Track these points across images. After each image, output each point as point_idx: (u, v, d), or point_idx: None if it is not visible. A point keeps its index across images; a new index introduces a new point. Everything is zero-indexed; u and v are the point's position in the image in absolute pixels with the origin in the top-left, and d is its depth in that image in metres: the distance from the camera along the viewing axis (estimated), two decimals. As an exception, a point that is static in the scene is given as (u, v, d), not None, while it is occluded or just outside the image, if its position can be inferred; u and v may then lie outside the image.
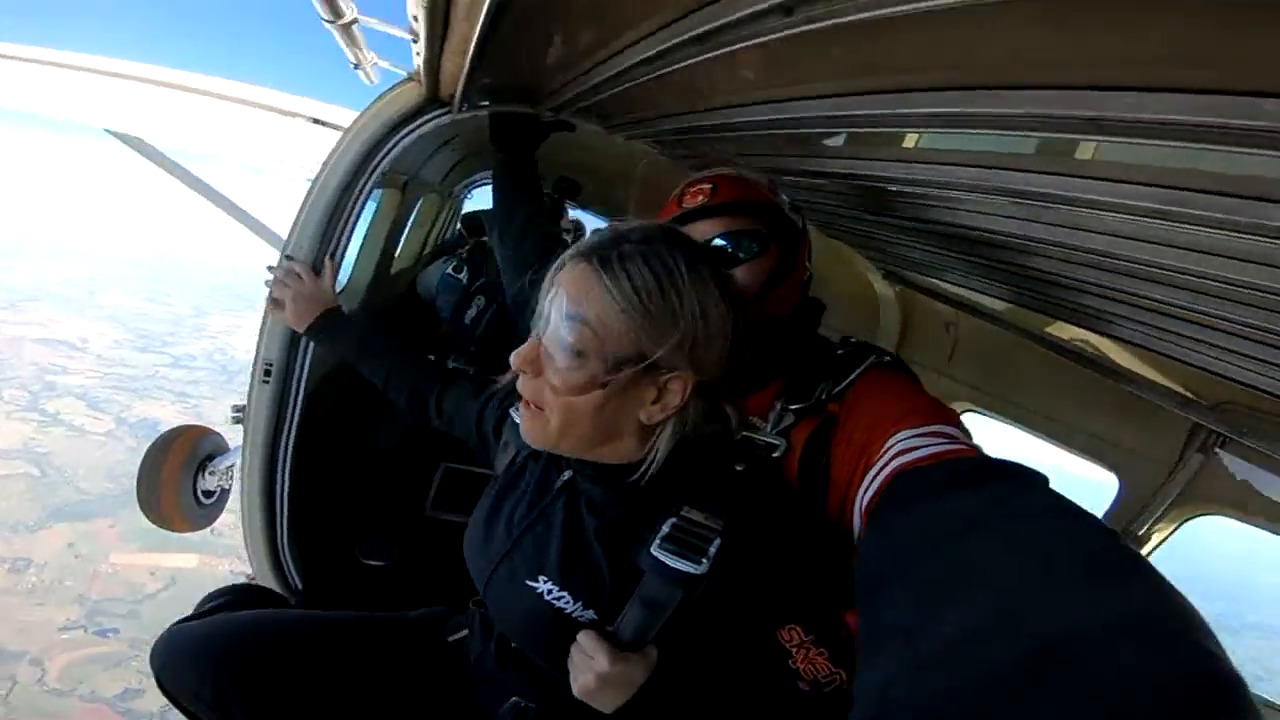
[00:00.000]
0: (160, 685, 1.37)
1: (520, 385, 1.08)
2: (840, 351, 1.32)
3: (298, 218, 1.74)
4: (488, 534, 1.27)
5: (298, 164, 3.35)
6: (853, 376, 1.25)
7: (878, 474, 1.04)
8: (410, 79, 1.71)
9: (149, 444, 3.01)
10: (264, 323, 1.78)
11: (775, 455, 1.16)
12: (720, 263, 1.14)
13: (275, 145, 3.52)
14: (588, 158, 2.99)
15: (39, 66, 3.68)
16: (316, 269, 1.70)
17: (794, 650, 1.06)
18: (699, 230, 1.25)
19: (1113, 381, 1.79)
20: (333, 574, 2.25)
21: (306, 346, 1.80)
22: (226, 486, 3.09)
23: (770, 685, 1.08)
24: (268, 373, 1.78)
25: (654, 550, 1.06)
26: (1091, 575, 0.56)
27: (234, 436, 3.17)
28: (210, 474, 3.00)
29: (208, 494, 3.05)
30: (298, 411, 1.83)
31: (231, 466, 3.01)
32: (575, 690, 1.09)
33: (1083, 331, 1.77)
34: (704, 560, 1.04)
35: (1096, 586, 0.55)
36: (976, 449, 1.04)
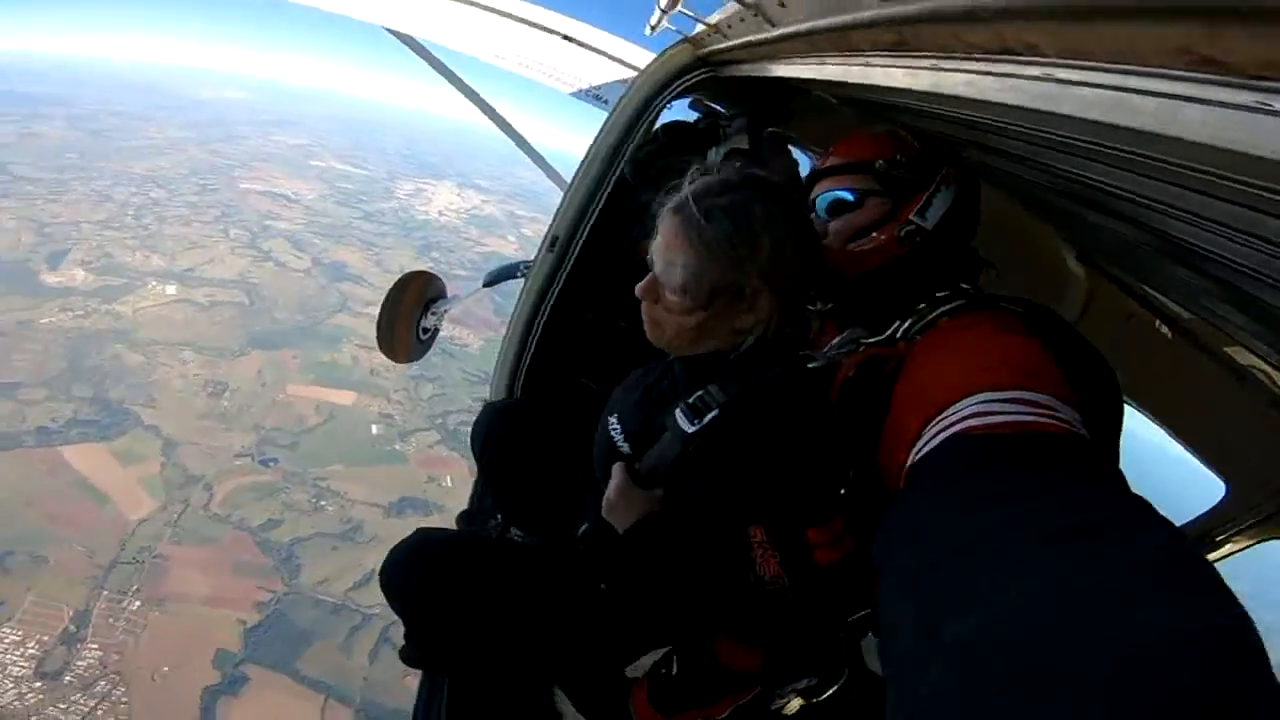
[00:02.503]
0: None
1: (643, 307, 1.41)
2: (941, 294, 1.34)
3: (587, 155, 2.30)
4: (620, 385, 1.66)
5: (546, 73, 3.85)
6: (930, 317, 1.29)
7: (942, 430, 0.97)
8: (685, 40, 2.17)
9: (392, 282, 3.40)
10: (562, 201, 2.33)
11: (810, 365, 1.32)
12: (793, 200, 1.37)
13: (531, 55, 3.96)
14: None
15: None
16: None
17: (755, 546, 1.24)
18: (818, 188, 1.49)
19: (1267, 407, 1.90)
20: (546, 396, 2.84)
21: (583, 232, 2.34)
22: (440, 327, 3.52)
23: (731, 567, 1.27)
24: (553, 244, 2.37)
25: (676, 411, 1.35)
26: (1153, 587, 0.52)
27: (458, 284, 3.64)
28: (431, 314, 3.43)
29: (425, 330, 3.46)
30: (564, 278, 2.41)
31: (447, 310, 3.47)
32: (603, 506, 1.39)
33: (1255, 359, 1.84)
34: (698, 422, 1.30)
35: (1153, 604, 0.50)
36: (1065, 423, 0.92)
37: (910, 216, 1.38)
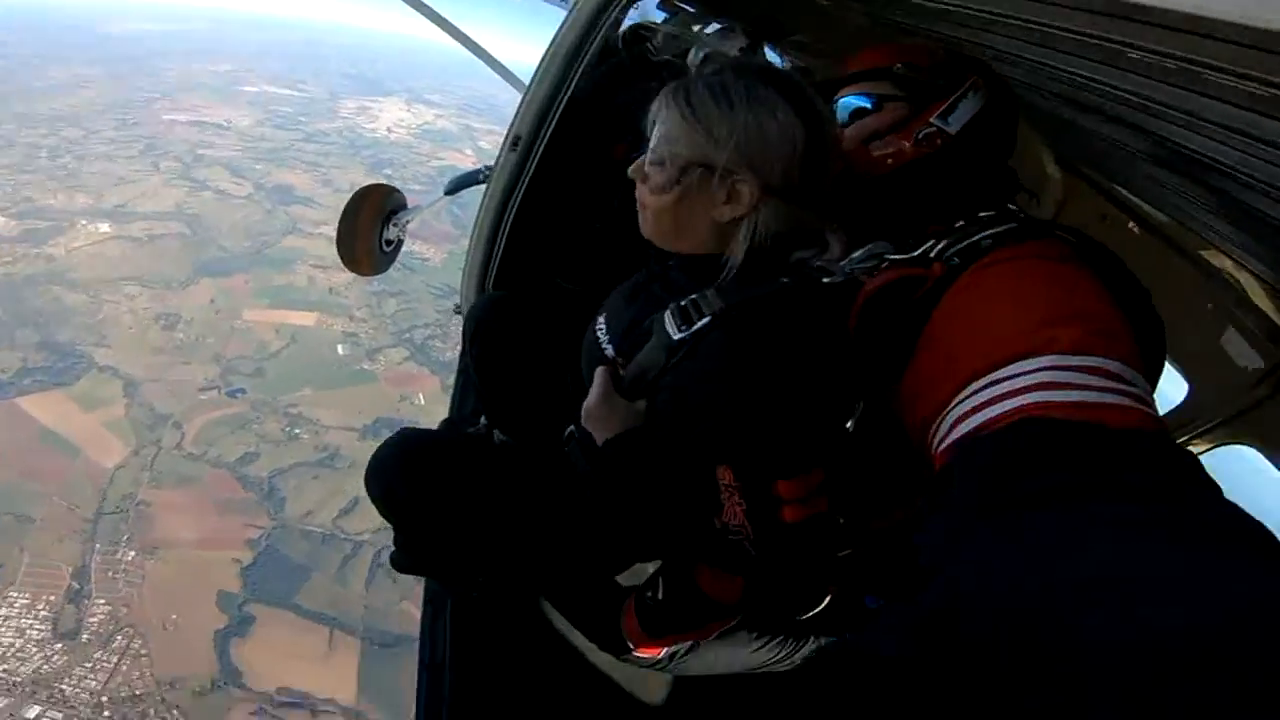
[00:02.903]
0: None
1: (636, 190, 1.32)
2: (986, 214, 1.24)
3: (548, 51, 2.15)
4: (614, 294, 1.56)
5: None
6: (974, 239, 1.18)
7: (999, 396, 0.87)
8: None
9: (344, 201, 3.22)
10: (522, 100, 2.21)
11: (825, 281, 1.21)
12: (795, 88, 1.22)
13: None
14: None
15: None
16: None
17: (722, 489, 1.17)
18: (838, 96, 1.41)
19: (1232, 307, 1.92)
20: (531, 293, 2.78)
21: (546, 131, 2.22)
22: (403, 238, 3.39)
23: (697, 508, 1.22)
24: (515, 143, 2.24)
25: (665, 314, 1.24)
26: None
27: (414, 197, 3.50)
28: (393, 226, 3.29)
29: (388, 243, 3.34)
30: (529, 177, 2.31)
31: (409, 221, 3.34)
32: (582, 413, 1.32)
33: (1229, 263, 1.84)
34: (686, 329, 1.19)
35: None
36: (1139, 402, 0.84)
37: (931, 119, 1.30)
